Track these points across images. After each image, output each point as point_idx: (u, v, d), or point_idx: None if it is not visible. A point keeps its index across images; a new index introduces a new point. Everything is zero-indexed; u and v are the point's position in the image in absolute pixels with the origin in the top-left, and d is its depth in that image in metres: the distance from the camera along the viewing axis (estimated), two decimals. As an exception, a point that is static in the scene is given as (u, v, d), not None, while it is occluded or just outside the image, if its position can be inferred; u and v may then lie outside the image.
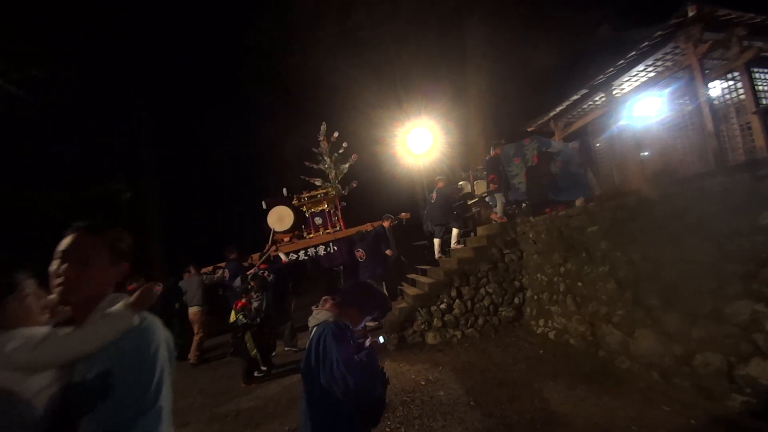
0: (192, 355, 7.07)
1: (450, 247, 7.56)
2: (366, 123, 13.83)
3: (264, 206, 8.97)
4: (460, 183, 9.92)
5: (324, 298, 2.00)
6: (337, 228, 9.09)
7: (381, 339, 2.00)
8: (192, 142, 18.65)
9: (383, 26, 13.62)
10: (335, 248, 8.54)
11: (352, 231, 8.41)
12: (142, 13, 16.01)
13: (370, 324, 5.82)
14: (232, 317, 5.55)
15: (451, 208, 7.83)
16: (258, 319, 5.50)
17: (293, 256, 8.34)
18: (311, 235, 8.93)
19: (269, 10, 15.00)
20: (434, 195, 7.73)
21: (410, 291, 6.93)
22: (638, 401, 3.42)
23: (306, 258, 8.45)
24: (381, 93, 14.27)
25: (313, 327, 1.84)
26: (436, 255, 7.68)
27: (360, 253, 7.67)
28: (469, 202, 9.11)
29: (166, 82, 17.56)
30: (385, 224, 7.88)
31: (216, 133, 19.34)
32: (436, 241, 7.72)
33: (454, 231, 7.49)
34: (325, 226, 9.10)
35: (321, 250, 8.55)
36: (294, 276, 7.96)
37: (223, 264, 7.98)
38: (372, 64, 14.27)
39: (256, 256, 8.19)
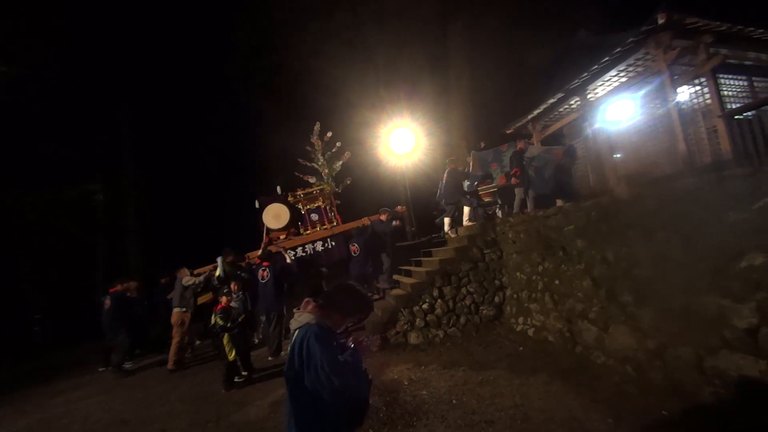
0: (169, 361, 6.88)
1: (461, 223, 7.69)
2: (354, 123, 13.88)
3: (257, 205, 8.83)
4: None
5: (305, 300, 1.98)
6: (334, 223, 9.08)
7: (365, 339, 2.00)
8: (183, 142, 18.25)
9: (370, 30, 13.71)
10: (333, 243, 8.52)
11: (352, 225, 8.47)
12: (133, 8, 15.62)
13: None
14: (213, 320, 5.44)
15: (462, 187, 7.84)
16: (238, 321, 5.41)
17: (292, 253, 8.18)
18: (308, 232, 8.86)
19: (259, 9, 14.90)
20: (445, 175, 7.74)
21: (393, 291, 6.96)
22: (614, 395, 3.53)
23: (304, 254, 8.36)
24: (367, 94, 14.36)
25: (295, 330, 1.83)
26: (446, 231, 7.61)
27: (354, 248, 7.68)
28: (481, 192, 8.93)
29: (155, 80, 17.25)
30: (383, 218, 7.93)
31: (207, 133, 19.00)
32: (447, 219, 7.68)
33: (466, 209, 7.50)
34: (321, 222, 9.06)
35: (319, 246, 8.50)
36: (292, 276, 7.77)
37: (208, 267, 7.80)
38: (358, 66, 14.33)
39: (252, 254, 8.06)
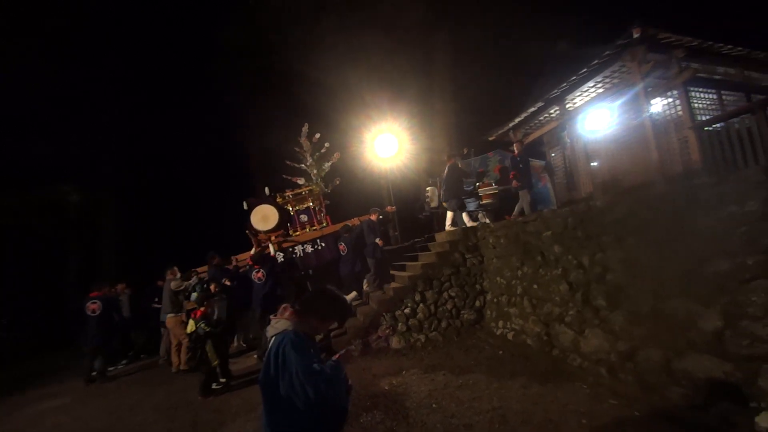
0: (177, 361, 6.73)
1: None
2: (341, 127, 13.90)
3: (245, 207, 8.67)
4: (428, 188, 10.12)
5: (283, 306, 1.97)
6: (324, 224, 8.99)
7: (349, 349, 2.00)
8: (171, 145, 17.79)
9: (357, 38, 13.82)
10: (323, 244, 8.45)
11: (339, 226, 8.40)
12: (120, 11, 15.35)
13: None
14: (190, 327, 5.32)
15: (461, 183, 7.85)
16: (220, 326, 5.32)
17: (281, 255, 8.08)
18: (297, 233, 8.76)
19: (246, 13, 14.85)
20: (446, 170, 7.77)
21: (375, 295, 6.95)
22: (588, 396, 3.61)
23: (293, 256, 8.26)
24: (353, 99, 14.42)
25: (272, 337, 1.81)
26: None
27: (342, 247, 7.68)
28: (481, 192, 8.91)
29: (140, 81, 16.93)
30: (372, 217, 7.94)
31: (193, 135, 18.62)
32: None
33: (449, 213, 7.49)
34: (310, 223, 8.97)
35: (309, 247, 8.41)
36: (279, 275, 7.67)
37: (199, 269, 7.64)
38: (344, 72, 14.38)
39: (240, 257, 7.98)
